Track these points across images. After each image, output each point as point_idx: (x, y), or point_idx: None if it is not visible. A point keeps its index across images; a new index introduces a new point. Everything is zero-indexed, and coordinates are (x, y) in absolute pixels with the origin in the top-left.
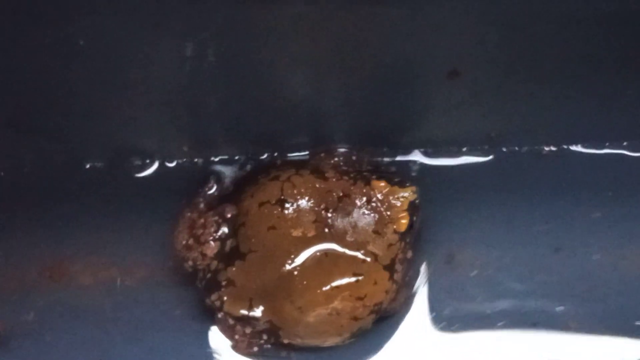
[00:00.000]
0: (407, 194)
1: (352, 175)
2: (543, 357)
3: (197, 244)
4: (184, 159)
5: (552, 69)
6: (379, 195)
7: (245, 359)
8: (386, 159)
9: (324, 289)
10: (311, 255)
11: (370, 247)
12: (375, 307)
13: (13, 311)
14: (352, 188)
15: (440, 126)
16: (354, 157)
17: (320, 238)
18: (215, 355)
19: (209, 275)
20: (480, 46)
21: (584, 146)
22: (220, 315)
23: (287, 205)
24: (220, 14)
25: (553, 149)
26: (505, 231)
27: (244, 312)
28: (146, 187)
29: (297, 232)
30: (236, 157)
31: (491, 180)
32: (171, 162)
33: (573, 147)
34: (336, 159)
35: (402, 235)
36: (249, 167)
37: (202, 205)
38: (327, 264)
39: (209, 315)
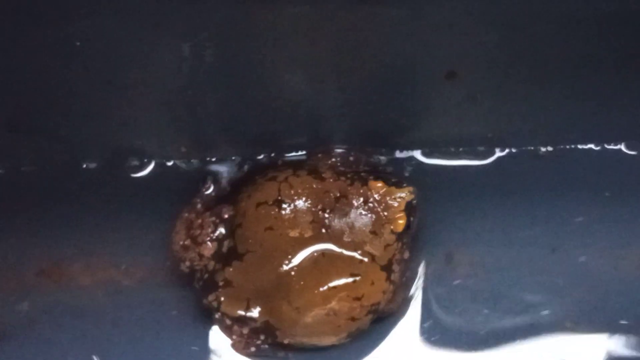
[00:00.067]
0: (404, 195)
1: (349, 175)
2: (541, 357)
3: (195, 244)
4: (182, 160)
5: (552, 69)
6: (376, 196)
7: (242, 359)
8: (384, 159)
9: (322, 289)
10: (308, 255)
11: (368, 248)
12: (373, 307)
13: (12, 311)
14: (349, 188)
15: (439, 126)
16: (351, 158)
17: (317, 238)
18: (212, 355)
19: (206, 275)
20: (480, 46)
21: (582, 146)
22: (217, 315)
23: (284, 205)
24: (219, 14)
25: (551, 149)
26: (504, 231)
27: (241, 312)
28: (144, 188)
29: (294, 233)
30: (233, 158)
31: (490, 181)
32: (169, 162)
33: (571, 148)
34: (333, 159)
35: (400, 236)
36: (246, 167)
37: (199, 206)
38: (324, 265)
39: (207, 316)
